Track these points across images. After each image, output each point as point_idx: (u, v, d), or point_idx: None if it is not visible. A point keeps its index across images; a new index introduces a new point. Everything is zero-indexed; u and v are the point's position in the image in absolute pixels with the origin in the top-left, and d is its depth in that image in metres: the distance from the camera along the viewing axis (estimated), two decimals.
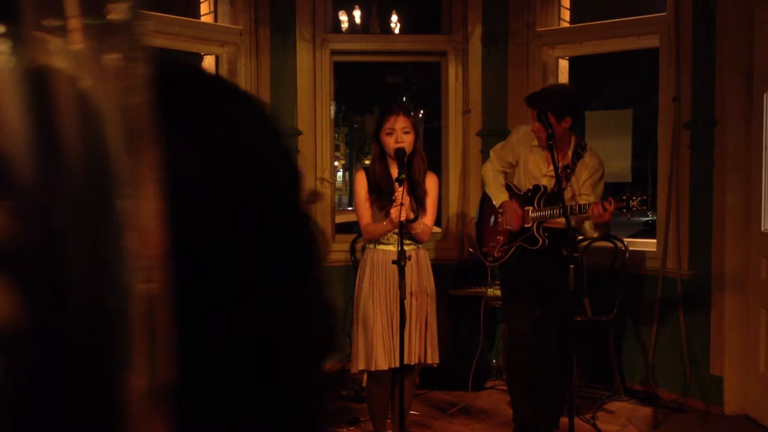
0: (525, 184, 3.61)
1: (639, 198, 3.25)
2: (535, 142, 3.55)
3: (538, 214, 3.48)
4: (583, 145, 3.60)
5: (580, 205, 3.34)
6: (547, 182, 3.53)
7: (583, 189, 3.50)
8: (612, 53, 5.21)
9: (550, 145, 3.29)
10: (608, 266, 4.52)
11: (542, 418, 3.62)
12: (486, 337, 4.89)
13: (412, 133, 3.31)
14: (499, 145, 3.78)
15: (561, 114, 3.36)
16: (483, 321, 4.56)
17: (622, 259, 4.47)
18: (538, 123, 3.39)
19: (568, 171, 3.50)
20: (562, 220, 3.24)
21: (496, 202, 3.66)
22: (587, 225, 3.43)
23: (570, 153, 3.52)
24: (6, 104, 0.31)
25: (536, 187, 3.54)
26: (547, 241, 3.48)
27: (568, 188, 3.49)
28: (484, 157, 4.71)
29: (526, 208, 3.55)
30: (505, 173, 3.72)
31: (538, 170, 3.58)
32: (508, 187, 3.69)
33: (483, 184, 3.84)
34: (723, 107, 4.14)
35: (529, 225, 3.52)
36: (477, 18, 4.99)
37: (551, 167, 3.48)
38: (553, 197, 3.45)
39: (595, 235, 3.49)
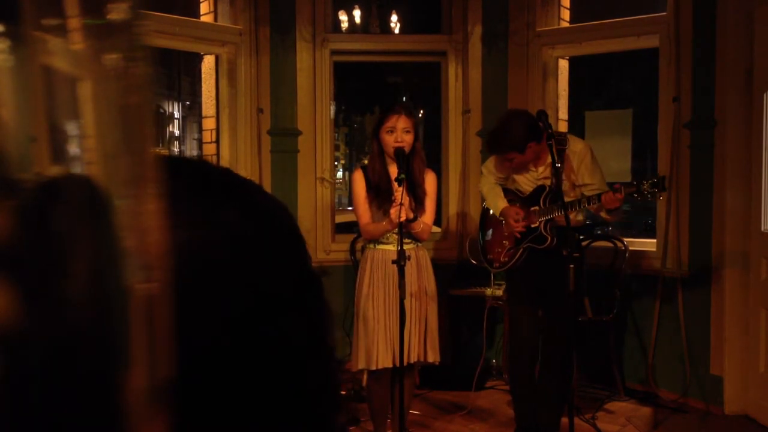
0: (525, 188, 3.62)
1: (650, 181, 3.23)
2: None
3: (544, 212, 3.49)
4: (563, 136, 3.59)
5: (589, 197, 3.34)
6: (548, 183, 3.53)
7: (582, 178, 3.49)
8: (612, 53, 5.21)
9: (550, 144, 3.29)
10: (608, 266, 4.52)
11: (543, 419, 3.62)
12: (486, 337, 4.89)
13: (413, 133, 3.31)
14: (489, 160, 3.80)
15: (521, 147, 3.38)
16: (484, 321, 4.55)
17: (622, 259, 4.46)
18: (510, 162, 3.45)
19: (558, 167, 3.49)
20: (571, 214, 3.24)
21: (497, 212, 3.67)
22: (603, 213, 3.43)
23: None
24: (5, 104, 0.31)
25: (540, 187, 3.54)
26: (555, 240, 3.48)
27: (566, 181, 3.49)
28: (484, 157, 4.70)
29: (532, 208, 3.55)
30: (501, 184, 3.74)
31: (531, 176, 3.59)
32: (511, 193, 3.69)
33: (482, 199, 3.85)
34: (723, 107, 4.14)
35: (536, 225, 3.52)
36: (477, 18, 4.98)
37: (540, 169, 3.50)
38: (556, 194, 3.45)
39: (611, 219, 3.49)
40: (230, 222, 0.45)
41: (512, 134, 3.38)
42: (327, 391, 0.49)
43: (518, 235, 3.56)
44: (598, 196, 3.29)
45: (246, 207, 0.47)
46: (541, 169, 3.54)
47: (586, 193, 3.42)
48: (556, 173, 3.25)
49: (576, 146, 3.52)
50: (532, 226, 3.53)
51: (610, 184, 3.39)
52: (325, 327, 0.50)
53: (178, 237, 0.42)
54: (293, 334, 0.46)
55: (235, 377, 0.42)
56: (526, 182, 3.61)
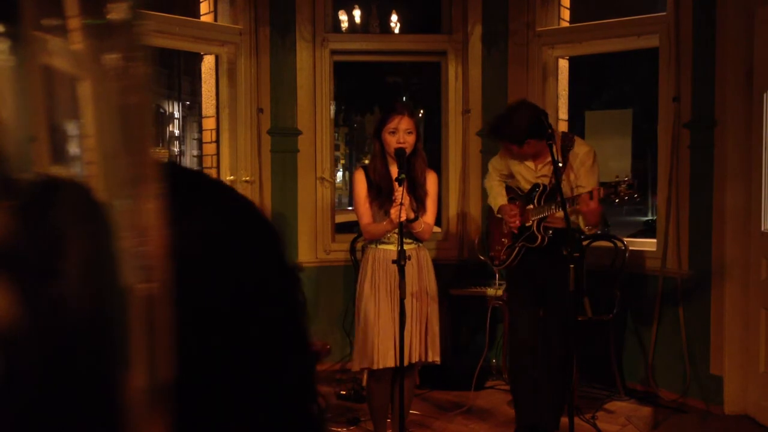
0: (524, 186, 3.63)
1: (625, 183, 3.23)
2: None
3: (537, 211, 3.49)
4: (570, 137, 3.60)
5: (572, 198, 3.34)
6: (546, 182, 3.54)
7: (579, 180, 3.50)
8: (612, 53, 5.21)
9: (550, 144, 3.30)
10: (608, 266, 4.52)
11: (544, 418, 3.62)
12: (486, 336, 4.89)
13: (414, 134, 3.31)
14: (494, 158, 3.82)
15: (520, 140, 3.38)
16: (484, 321, 4.55)
17: (622, 259, 4.46)
18: (510, 152, 3.48)
19: (560, 166, 3.50)
20: (562, 215, 3.24)
21: (495, 209, 3.70)
22: (580, 220, 3.43)
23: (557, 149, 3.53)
24: (5, 104, 0.31)
25: (535, 186, 3.55)
26: (546, 239, 3.48)
27: (565, 182, 3.49)
28: (484, 156, 4.71)
29: (528, 207, 3.56)
30: (505, 182, 3.76)
31: (530, 174, 3.60)
32: (513, 191, 3.71)
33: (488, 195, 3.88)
34: (723, 107, 4.14)
35: (530, 224, 3.53)
36: (477, 18, 4.98)
37: (539, 167, 3.51)
38: (552, 194, 3.46)
39: (590, 231, 3.49)
40: (200, 220, 0.45)
41: (513, 126, 3.38)
42: (305, 382, 0.49)
43: (515, 231, 3.58)
44: (579, 195, 3.29)
45: (215, 205, 0.47)
46: (540, 166, 3.55)
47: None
48: (556, 172, 3.25)
49: (581, 149, 3.52)
50: (526, 224, 3.54)
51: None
52: (301, 320, 0.50)
53: None
54: (270, 328, 0.46)
55: (214, 372, 0.42)
56: (524, 180, 3.62)
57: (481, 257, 4.65)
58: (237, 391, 0.43)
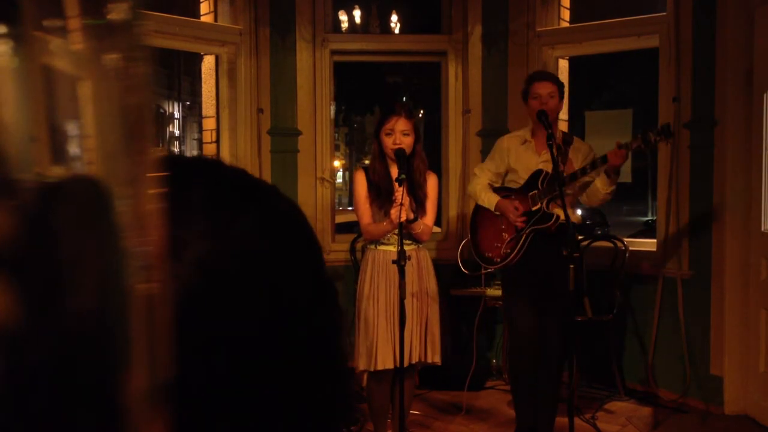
0: (523, 176, 3.63)
1: (656, 130, 3.27)
2: (527, 136, 3.67)
3: (545, 193, 3.51)
4: (570, 135, 3.70)
5: (594, 161, 3.40)
6: (549, 168, 3.54)
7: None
8: (612, 53, 5.21)
9: (550, 144, 3.30)
10: (608, 266, 4.52)
11: (541, 418, 3.62)
12: (486, 337, 4.89)
13: (412, 135, 3.31)
14: (485, 161, 3.85)
15: (561, 89, 3.62)
16: (484, 321, 4.55)
17: (622, 259, 4.46)
18: (545, 102, 3.53)
19: (561, 152, 3.55)
20: (572, 191, 3.27)
21: (492, 206, 3.66)
22: (600, 183, 3.45)
23: (558, 138, 3.60)
24: (6, 104, 0.31)
25: (537, 172, 3.56)
26: (561, 215, 3.44)
27: (567, 168, 3.52)
28: (484, 157, 4.70)
29: (531, 193, 3.55)
30: (492, 185, 3.74)
31: (533, 161, 3.61)
32: (504, 190, 3.70)
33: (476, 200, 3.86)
34: (723, 107, 4.14)
35: (538, 207, 3.52)
36: (477, 18, 4.99)
37: (543, 151, 3.55)
38: (555, 177, 3.44)
39: (609, 190, 3.49)
40: (248, 231, 0.45)
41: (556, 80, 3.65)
42: (338, 398, 0.49)
43: (521, 226, 3.56)
44: (603, 156, 3.34)
45: (263, 214, 0.47)
46: (543, 151, 3.57)
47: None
48: (558, 152, 3.32)
49: (582, 146, 3.64)
50: (534, 209, 3.53)
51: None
52: (338, 333, 0.50)
53: (198, 248, 0.42)
54: (308, 342, 0.46)
55: (250, 384, 0.42)
56: (525, 170, 3.62)
57: (465, 271, 4.62)
58: (264, 402, 0.43)
